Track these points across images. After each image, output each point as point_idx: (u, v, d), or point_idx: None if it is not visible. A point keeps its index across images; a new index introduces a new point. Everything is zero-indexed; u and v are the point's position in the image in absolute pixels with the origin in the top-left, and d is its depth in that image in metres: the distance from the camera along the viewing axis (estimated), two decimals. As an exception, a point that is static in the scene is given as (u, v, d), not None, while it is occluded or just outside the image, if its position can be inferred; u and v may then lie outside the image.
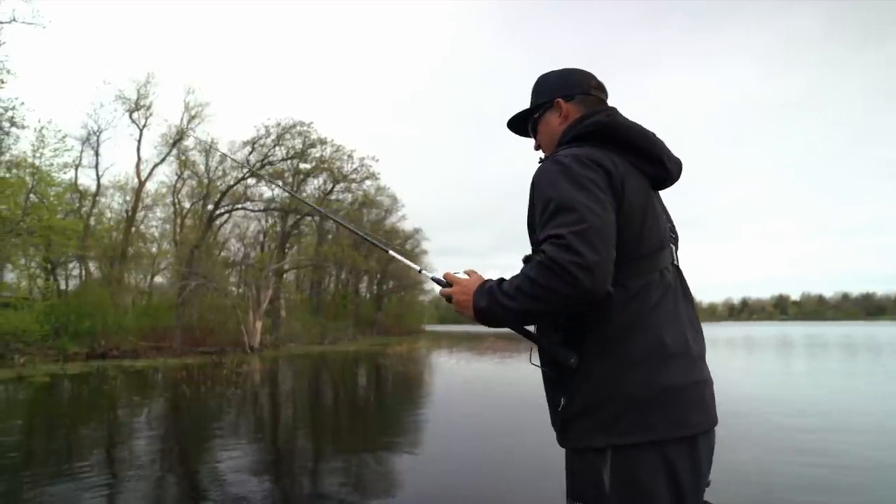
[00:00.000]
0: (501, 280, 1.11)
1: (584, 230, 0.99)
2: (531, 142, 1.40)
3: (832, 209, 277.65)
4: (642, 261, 1.11)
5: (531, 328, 1.17)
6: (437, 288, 1.28)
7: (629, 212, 1.09)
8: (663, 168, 1.20)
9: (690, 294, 1.22)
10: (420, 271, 1.51)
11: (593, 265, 0.96)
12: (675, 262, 1.21)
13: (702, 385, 1.13)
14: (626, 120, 1.21)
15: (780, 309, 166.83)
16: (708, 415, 1.12)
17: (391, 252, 1.52)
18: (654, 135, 1.21)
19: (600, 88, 1.31)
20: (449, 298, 1.21)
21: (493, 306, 1.09)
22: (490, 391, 9.63)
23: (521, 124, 1.40)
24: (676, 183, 1.27)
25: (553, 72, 1.35)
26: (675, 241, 1.25)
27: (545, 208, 1.07)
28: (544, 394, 1.23)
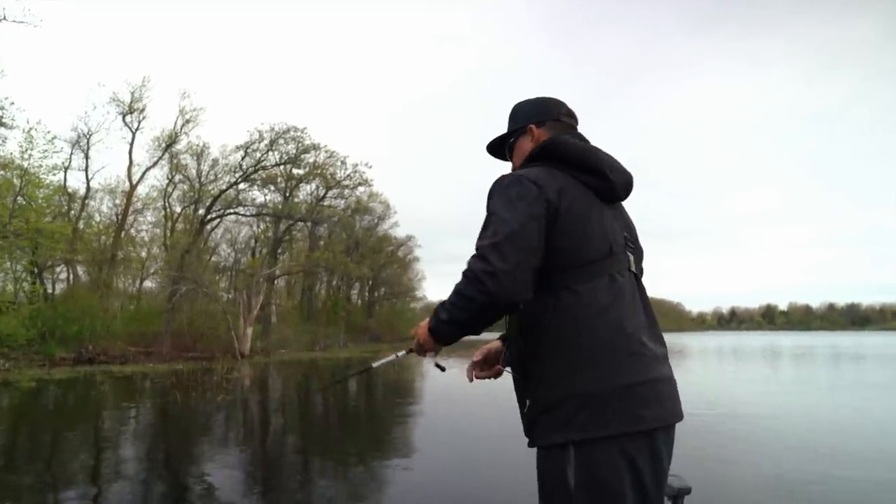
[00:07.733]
0: (444, 301, 1.19)
1: (497, 241, 1.09)
2: None
3: (833, 219, 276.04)
4: (588, 266, 1.16)
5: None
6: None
7: (568, 220, 1.16)
8: (605, 179, 1.24)
9: (648, 300, 1.27)
10: (397, 355, 1.49)
11: (499, 272, 1.06)
12: (632, 269, 1.25)
13: (659, 382, 1.16)
14: (569, 140, 1.28)
15: (768, 318, 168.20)
16: (666, 410, 1.15)
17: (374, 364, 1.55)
18: (597, 150, 1.28)
19: (570, 115, 1.40)
20: (418, 346, 1.27)
21: (436, 324, 1.19)
22: (481, 396, 9.62)
23: (499, 149, 1.48)
24: (630, 194, 1.33)
25: (528, 100, 1.43)
26: (635, 251, 1.29)
27: (483, 223, 1.19)
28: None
